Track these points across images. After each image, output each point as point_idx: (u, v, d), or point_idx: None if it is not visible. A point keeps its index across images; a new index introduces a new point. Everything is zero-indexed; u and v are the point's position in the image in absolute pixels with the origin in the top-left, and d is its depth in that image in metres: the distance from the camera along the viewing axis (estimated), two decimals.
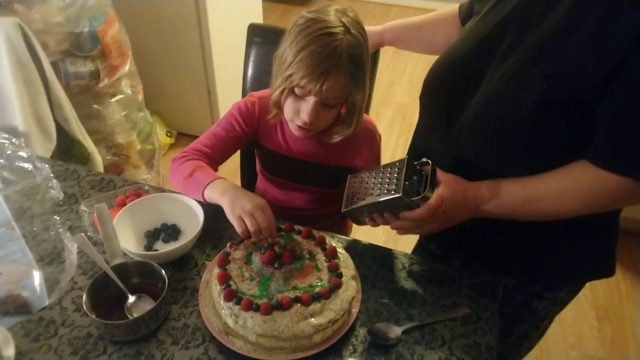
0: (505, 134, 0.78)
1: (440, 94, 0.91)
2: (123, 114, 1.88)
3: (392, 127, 2.84)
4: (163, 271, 0.81)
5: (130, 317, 0.78)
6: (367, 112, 1.20)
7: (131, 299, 0.81)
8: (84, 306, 0.75)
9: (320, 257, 0.87)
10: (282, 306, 0.76)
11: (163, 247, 0.93)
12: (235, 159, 1.22)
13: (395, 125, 2.86)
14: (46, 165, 1.07)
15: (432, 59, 0.97)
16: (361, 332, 0.81)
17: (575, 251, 0.91)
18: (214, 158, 1.04)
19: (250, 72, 1.33)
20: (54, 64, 1.56)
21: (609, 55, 0.67)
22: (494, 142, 0.80)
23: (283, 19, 3.91)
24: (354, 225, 1.23)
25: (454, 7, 1.06)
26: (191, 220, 0.93)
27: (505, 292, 0.89)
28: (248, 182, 1.40)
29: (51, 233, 0.94)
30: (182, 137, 2.59)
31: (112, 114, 1.84)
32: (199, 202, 0.94)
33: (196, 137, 1.08)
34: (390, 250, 0.96)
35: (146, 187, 1.05)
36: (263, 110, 1.05)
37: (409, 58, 3.45)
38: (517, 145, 0.78)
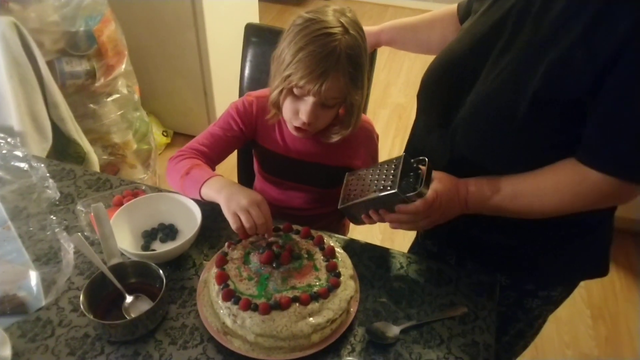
0: (501, 132, 0.79)
1: (437, 93, 0.91)
2: (119, 113, 1.87)
3: (388, 127, 2.84)
4: (161, 271, 0.81)
5: (127, 317, 0.78)
6: (364, 112, 1.20)
7: (129, 299, 0.81)
8: (81, 306, 0.75)
9: (319, 257, 0.87)
10: (281, 306, 0.76)
11: (160, 247, 0.92)
12: (232, 159, 1.22)
13: (391, 125, 2.87)
14: (42, 165, 1.06)
15: (429, 59, 0.97)
16: (359, 331, 0.81)
17: (568, 250, 0.92)
18: (211, 157, 1.03)
19: (247, 71, 1.33)
20: (50, 63, 1.56)
21: (600, 55, 0.67)
22: (489, 140, 0.81)
23: (279, 19, 3.91)
24: (352, 225, 1.23)
25: (450, 7, 1.07)
26: (189, 220, 0.92)
27: (500, 290, 0.90)
28: (245, 182, 1.39)
29: (47, 233, 0.94)
30: (178, 136, 2.59)
31: (108, 114, 1.83)
32: (197, 201, 0.94)
33: (192, 136, 1.07)
34: (387, 249, 0.97)
35: (143, 187, 1.05)
36: (261, 109, 1.05)
37: (405, 58, 3.46)
38: (512, 144, 0.79)
